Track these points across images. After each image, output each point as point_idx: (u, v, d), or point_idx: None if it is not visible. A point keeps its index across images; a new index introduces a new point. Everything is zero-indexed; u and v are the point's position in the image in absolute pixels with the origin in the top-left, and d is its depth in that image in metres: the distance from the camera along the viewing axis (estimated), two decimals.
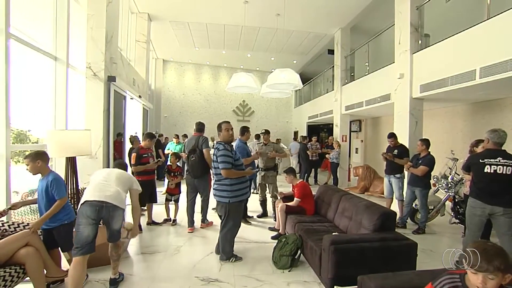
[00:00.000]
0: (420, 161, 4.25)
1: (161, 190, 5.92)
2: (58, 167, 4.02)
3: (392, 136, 4.91)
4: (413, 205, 4.54)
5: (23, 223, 2.65)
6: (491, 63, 3.72)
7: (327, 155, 8.52)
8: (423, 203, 4.28)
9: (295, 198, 3.91)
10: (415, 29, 5.34)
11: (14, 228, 2.56)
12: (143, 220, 4.42)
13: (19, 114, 3.52)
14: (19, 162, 3.94)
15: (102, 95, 4.69)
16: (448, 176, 4.48)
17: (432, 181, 4.42)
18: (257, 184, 5.16)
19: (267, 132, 5.19)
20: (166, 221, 4.57)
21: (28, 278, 2.28)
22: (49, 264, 2.45)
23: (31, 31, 3.79)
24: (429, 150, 4.29)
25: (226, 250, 3.24)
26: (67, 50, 4.27)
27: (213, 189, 3.28)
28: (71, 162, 3.35)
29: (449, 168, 4.66)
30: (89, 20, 4.66)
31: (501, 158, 2.82)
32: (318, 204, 4.09)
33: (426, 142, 4.28)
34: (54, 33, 4.18)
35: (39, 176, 2.57)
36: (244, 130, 4.68)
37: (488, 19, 3.86)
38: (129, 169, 5.66)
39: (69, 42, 4.32)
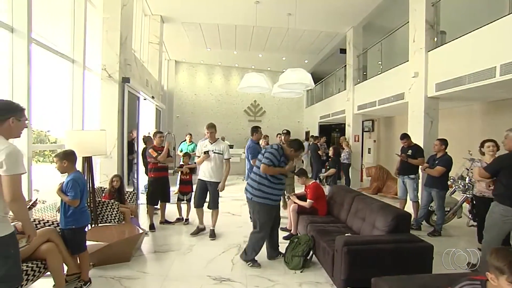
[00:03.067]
0: (436, 162, 4.14)
1: (173, 189, 6.01)
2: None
3: (405, 137, 4.81)
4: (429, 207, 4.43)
5: (43, 220, 2.75)
6: None
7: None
8: (440, 205, 4.16)
9: (308, 200, 3.88)
10: (431, 26, 5.20)
11: (35, 225, 2.66)
12: (156, 219, 4.50)
13: (39, 115, 3.65)
14: (39, 161, 4.09)
15: (117, 96, 4.81)
16: (466, 177, 4.34)
17: (448, 182, 4.30)
18: None
19: (288, 133, 5.19)
20: (178, 220, 4.63)
21: (48, 273, 2.36)
22: (69, 260, 2.53)
23: (50, 35, 3.92)
24: (446, 150, 4.18)
25: (248, 252, 3.15)
26: (84, 53, 4.40)
27: (255, 189, 3.09)
28: (88, 162, 3.44)
29: (466, 169, 4.51)
30: (105, 23, 4.79)
31: None
32: (331, 204, 4.05)
33: (445, 142, 4.17)
34: (72, 36, 4.31)
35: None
36: (253, 130, 4.68)
37: (509, 14, 3.71)
38: (142, 168, 5.80)
39: (86, 44, 4.45)
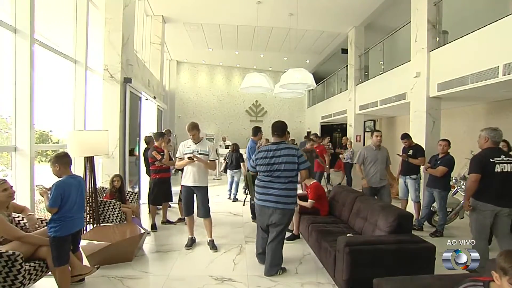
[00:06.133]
0: (438, 162, 4.13)
1: (174, 189, 6.01)
2: (77, 167, 4.16)
3: (405, 137, 4.80)
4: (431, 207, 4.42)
5: (46, 219, 2.76)
6: None
7: (340, 156, 8.42)
8: (442, 205, 4.15)
9: (309, 200, 3.87)
10: (433, 26, 5.18)
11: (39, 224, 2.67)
12: (158, 219, 4.50)
13: (41, 116, 3.66)
14: (42, 161, 4.10)
15: (119, 96, 4.82)
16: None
17: (450, 183, 4.29)
18: None
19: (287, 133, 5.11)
20: (180, 220, 4.62)
21: (50, 272, 2.36)
22: (73, 262, 2.48)
23: (52, 35, 3.94)
24: (448, 150, 4.17)
25: (276, 264, 2.91)
26: (86, 53, 4.42)
27: (279, 196, 2.81)
28: (90, 162, 3.45)
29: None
30: (107, 23, 4.80)
31: (504, 156, 2.80)
32: (332, 204, 4.05)
33: (449, 143, 4.16)
34: (74, 37, 4.33)
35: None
36: (257, 130, 4.67)
37: None
38: (143, 167, 5.81)
39: (88, 45, 4.47)
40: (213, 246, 3.55)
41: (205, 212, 3.57)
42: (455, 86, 4.56)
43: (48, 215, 3.34)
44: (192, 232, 3.70)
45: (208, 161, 3.53)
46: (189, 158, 3.41)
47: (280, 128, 2.94)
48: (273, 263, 2.90)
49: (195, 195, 3.60)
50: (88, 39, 4.48)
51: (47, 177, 2.53)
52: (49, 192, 2.27)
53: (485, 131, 2.91)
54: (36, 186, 2.67)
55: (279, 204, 2.81)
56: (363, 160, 4.28)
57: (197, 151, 3.47)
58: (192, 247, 3.61)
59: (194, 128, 3.52)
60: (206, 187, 3.61)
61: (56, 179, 2.38)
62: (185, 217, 3.72)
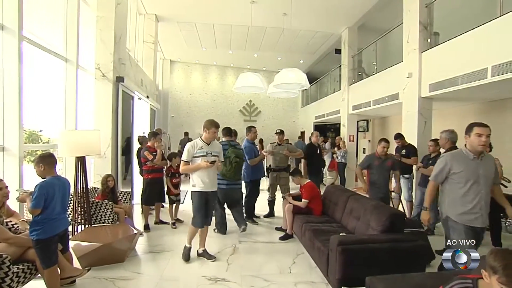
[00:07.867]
0: (430, 162, 4.18)
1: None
2: (69, 167, 4.10)
3: (399, 137, 4.86)
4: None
5: None
6: (503, 61, 3.63)
7: (334, 155, 8.47)
8: (434, 204, 4.20)
9: (303, 200, 3.89)
10: (424, 27, 5.25)
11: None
12: (151, 219, 4.46)
13: (31, 115, 3.59)
14: (31, 161, 4.02)
15: (111, 95, 4.76)
16: None
17: None
18: (269, 184, 5.06)
19: (281, 132, 5.09)
20: (173, 224, 4.44)
21: (39, 275, 2.32)
22: (64, 264, 2.43)
23: (42, 33, 3.87)
24: (440, 150, 4.23)
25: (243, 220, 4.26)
26: (77, 52, 4.35)
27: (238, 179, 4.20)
28: (81, 162, 3.40)
29: None
30: (98, 21, 4.73)
31: None
32: (326, 204, 4.06)
33: (437, 143, 4.22)
34: (65, 35, 4.26)
35: None
36: (248, 130, 4.68)
37: (500, 16, 3.77)
38: (136, 168, 5.75)
39: (79, 43, 4.40)
40: (210, 256, 3.26)
41: (210, 219, 3.35)
42: (446, 87, 4.63)
43: None
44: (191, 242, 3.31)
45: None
46: (212, 162, 3.06)
47: (231, 132, 4.52)
48: (242, 220, 4.21)
49: None
50: (80, 37, 4.41)
51: (36, 178, 2.47)
52: (31, 195, 2.20)
53: (445, 133, 3.31)
54: (16, 190, 2.58)
55: (238, 185, 4.26)
56: (446, 175, 2.34)
57: (210, 153, 3.17)
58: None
59: (218, 127, 3.23)
60: (216, 191, 3.38)
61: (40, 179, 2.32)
62: (200, 229, 3.27)
